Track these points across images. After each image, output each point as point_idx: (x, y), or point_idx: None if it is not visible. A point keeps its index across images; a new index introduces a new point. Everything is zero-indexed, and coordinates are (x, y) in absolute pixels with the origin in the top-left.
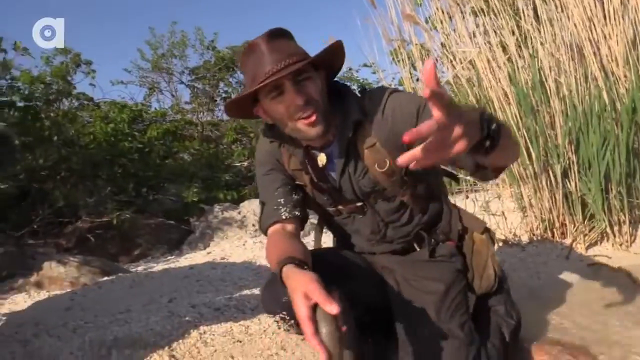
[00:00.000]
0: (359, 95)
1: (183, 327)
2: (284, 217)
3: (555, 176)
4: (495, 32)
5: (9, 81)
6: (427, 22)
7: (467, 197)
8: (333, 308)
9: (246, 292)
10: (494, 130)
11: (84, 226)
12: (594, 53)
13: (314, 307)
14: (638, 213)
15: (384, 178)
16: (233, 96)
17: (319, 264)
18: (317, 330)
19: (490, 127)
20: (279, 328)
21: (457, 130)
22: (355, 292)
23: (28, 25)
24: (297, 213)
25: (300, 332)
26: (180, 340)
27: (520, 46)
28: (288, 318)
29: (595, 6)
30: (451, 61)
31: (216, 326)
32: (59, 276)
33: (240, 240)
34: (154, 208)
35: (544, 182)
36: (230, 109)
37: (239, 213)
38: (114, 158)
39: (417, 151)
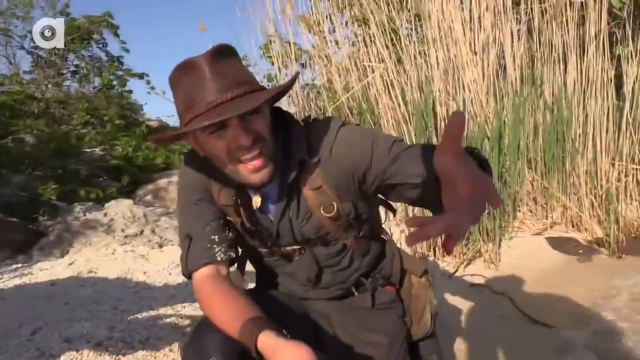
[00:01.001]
0: (306, 126)
1: None
2: (219, 259)
3: None
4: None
5: None
6: (302, 20)
7: None
8: None
9: (130, 317)
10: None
11: None
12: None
13: None
14: (503, 234)
15: (329, 222)
16: (86, 71)
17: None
18: None
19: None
20: None
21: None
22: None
23: None
24: (231, 254)
25: None
26: None
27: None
28: None
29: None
30: (326, 65)
31: None
32: None
33: (108, 249)
34: None
35: None
36: (162, 140)
37: (105, 215)
38: None
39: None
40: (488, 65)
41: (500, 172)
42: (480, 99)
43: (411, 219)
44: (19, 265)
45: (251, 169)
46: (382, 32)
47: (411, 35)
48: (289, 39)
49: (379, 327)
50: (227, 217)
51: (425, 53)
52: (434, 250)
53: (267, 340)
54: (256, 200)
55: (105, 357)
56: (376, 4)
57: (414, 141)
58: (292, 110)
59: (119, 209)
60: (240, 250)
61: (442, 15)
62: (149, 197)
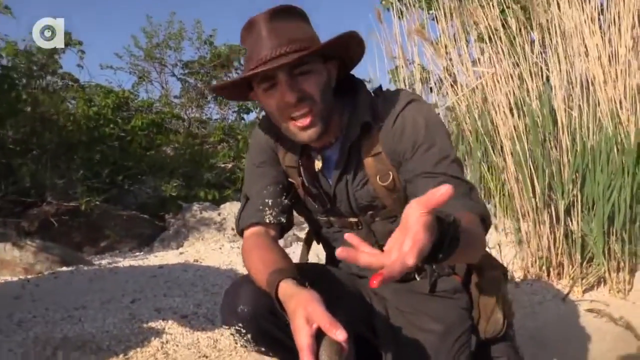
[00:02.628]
0: (374, 94)
1: (144, 334)
2: (267, 221)
3: (557, 213)
4: (501, 60)
5: None
6: (432, 46)
7: None
8: (340, 334)
9: (218, 300)
10: (448, 251)
11: (50, 210)
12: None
13: (317, 335)
14: (637, 261)
15: (384, 193)
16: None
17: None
18: None
19: (443, 245)
20: (236, 343)
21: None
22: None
23: None
24: (282, 219)
25: (259, 350)
26: (139, 349)
27: (531, 77)
28: (244, 332)
29: (604, 45)
30: (452, 86)
31: (181, 336)
32: (13, 260)
33: (217, 243)
34: (128, 199)
35: (545, 218)
36: (222, 88)
37: (219, 214)
38: (92, 143)
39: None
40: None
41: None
42: (615, 111)
43: (353, 236)
44: (140, 253)
45: (299, 126)
46: (508, 48)
47: (534, 45)
48: (414, 60)
49: (434, 314)
50: (290, 180)
51: (547, 62)
52: (548, 270)
53: (286, 288)
54: (317, 163)
55: (187, 328)
56: (503, 21)
57: (528, 155)
58: None
59: (232, 209)
60: (306, 222)
61: (573, 27)
62: None
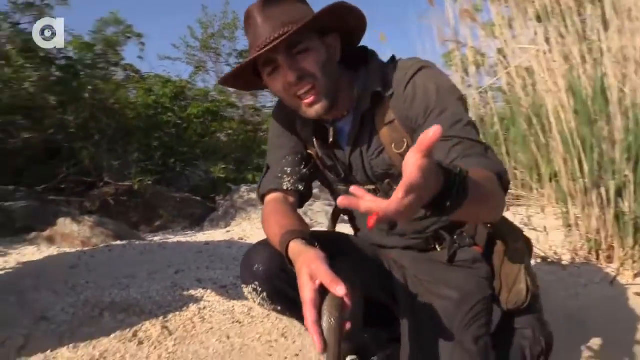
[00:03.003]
0: (387, 63)
1: (183, 300)
2: (285, 188)
3: (607, 194)
4: (556, 39)
5: (51, 36)
6: (484, 28)
7: (508, 210)
8: (340, 289)
9: None
10: (456, 198)
11: (109, 190)
12: None
13: (321, 291)
14: None
15: (400, 160)
16: None
17: (320, 242)
18: (319, 318)
19: (451, 192)
20: (253, 302)
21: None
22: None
23: None
24: (299, 187)
25: (275, 309)
26: (178, 313)
27: (584, 56)
28: (260, 290)
29: None
30: (506, 67)
31: (218, 303)
32: (72, 234)
33: None
34: (182, 182)
35: (594, 200)
36: (230, 79)
37: None
38: (150, 129)
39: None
40: None
41: None
42: None
43: (358, 189)
44: (190, 231)
45: (306, 103)
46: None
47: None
48: (467, 43)
49: (452, 283)
50: (308, 151)
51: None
52: (597, 253)
53: (295, 247)
54: (331, 134)
55: (224, 297)
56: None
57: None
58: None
59: None
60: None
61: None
62: (315, 191)
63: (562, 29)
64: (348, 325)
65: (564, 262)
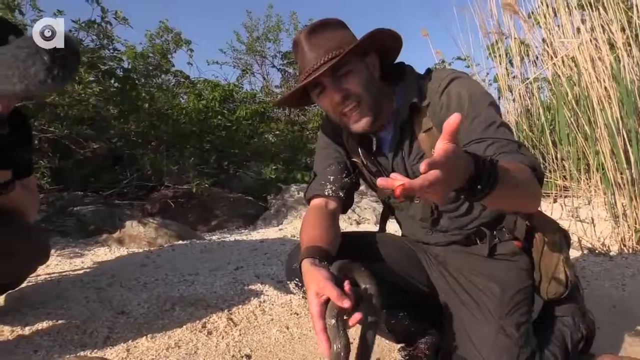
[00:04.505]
0: (421, 76)
1: (245, 294)
2: (326, 194)
3: None
4: (602, 27)
5: (112, 52)
6: (529, 17)
7: (555, 201)
8: (345, 303)
9: None
10: (487, 177)
11: (168, 193)
12: None
13: (326, 304)
14: None
15: None
16: None
17: (350, 242)
18: (325, 328)
19: (482, 176)
20: (298, 295)
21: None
22: (383, 271)
23: None
24: (340, 194)
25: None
26: (240, 306)
27: (630, 44)
28: (301, 285)
29: None
30: (552, 58)
31: (276, 297)
32: (139, 235)
33: None
34: (234, 183)
35: None
36: (282, 101)
37: None
38: (202, 133)
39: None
40: None
41: None
42: None
43: (396, 174)
44: (245, 230)
45: (352, 120)
46: (616, 15)
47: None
48: (511, 35)
49: (492, 275)
50: (353, 160)
51: None
52: None
53: (305, 266)
54: (374, 144)
55: (282, 291)
56: None
57: (621, 121)
58: (513, 105)
59: None
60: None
61: None
62: (362, 188)
63: (607, 16)
64: (352, 320)
65: (611, 253)
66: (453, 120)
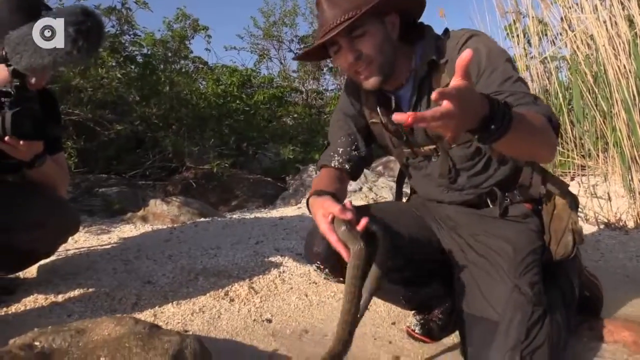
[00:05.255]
0: (441, 35)
1: (265, 266)
2: (333, 165)
3: None
4: (622, 3)
5: (132, 36)
6: None
7: (573, 179)
8: (347, 214)
9: None
10: (501, 117)
11: (189, 175)
12: None
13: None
14: None
15: None
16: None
17: (361, 210)
18: (338, 238)
19: (496, 115)
20: (320, 276)
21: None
22: (403, 241)
23: None
24: (346, 167)
25: (338, 280)
26: (261, 276)
27: None
28: (323, 267)
29: None
30: (570, 38)
31: (295, 268)
32: (162, 213)
33: None
34: (254, 165)
35: None
36: (300, 57)
37: None
38: (221, 117)
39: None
40: None
41: None
42: None
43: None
44: (264, 209)
45: (362, 78)
46: None
47: None
48: (529, 14)
49: (504, 236)
50: (372, 121)
51: None
52: None
53: (311, 200)
54: (393, 101)
55: (300, 262)
56: None
57: (638, 99)
58: (531, 85)
59: None
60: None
61: None
62: (379, 168)
63: None
64: (360, 226)
65: (627, 228)
66: (465, 56)
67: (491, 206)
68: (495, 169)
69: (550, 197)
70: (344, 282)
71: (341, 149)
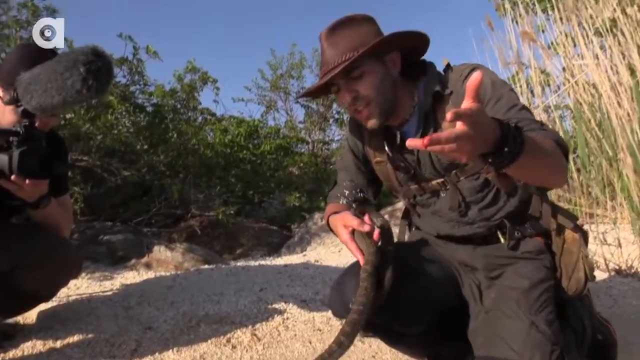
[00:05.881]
0: (444, 69)
1: (268, 312)
2: (340, 204)
3: None
4: (622, 54)
5: (142, 86)
6: (549, 47)
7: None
8: (365, 227)
9: None
10: (513, 144)
11: (194, 223)
12: None
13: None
14: None
15: None
16: (345, 117)
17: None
18: (360, 250)
19: (508, 139)
20: (318, 312)
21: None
22: (423, 294)
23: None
24: (353, 205)
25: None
26: (264, 322)
27: None
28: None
29: None
30: (573, 86)
31: (299, 315)
32: (166, 259)
33: (337, 247)
34: (260, 214)
35: None
36: (306, 95)
37: None
38: (228, 166)
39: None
40: None
41: None
42: None
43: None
44: (269, 257)
45: (363, 118)
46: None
47: None
48: (531, 64)
49: (522, 272)
50: (378, 160)
51: None
52: None
53: (331, 218)
54: (398, 137)
55: (305, 309)
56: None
57: None
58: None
59: None
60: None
61: None
62: (386, 217)
63: (625, 42)
64: (376, 235)
65: (639, 275)
66: (474, 79)
67: (502, 240)
68: (505, 201)
69: (561, 231)
70: (372, 336)
71: (347, 192)
